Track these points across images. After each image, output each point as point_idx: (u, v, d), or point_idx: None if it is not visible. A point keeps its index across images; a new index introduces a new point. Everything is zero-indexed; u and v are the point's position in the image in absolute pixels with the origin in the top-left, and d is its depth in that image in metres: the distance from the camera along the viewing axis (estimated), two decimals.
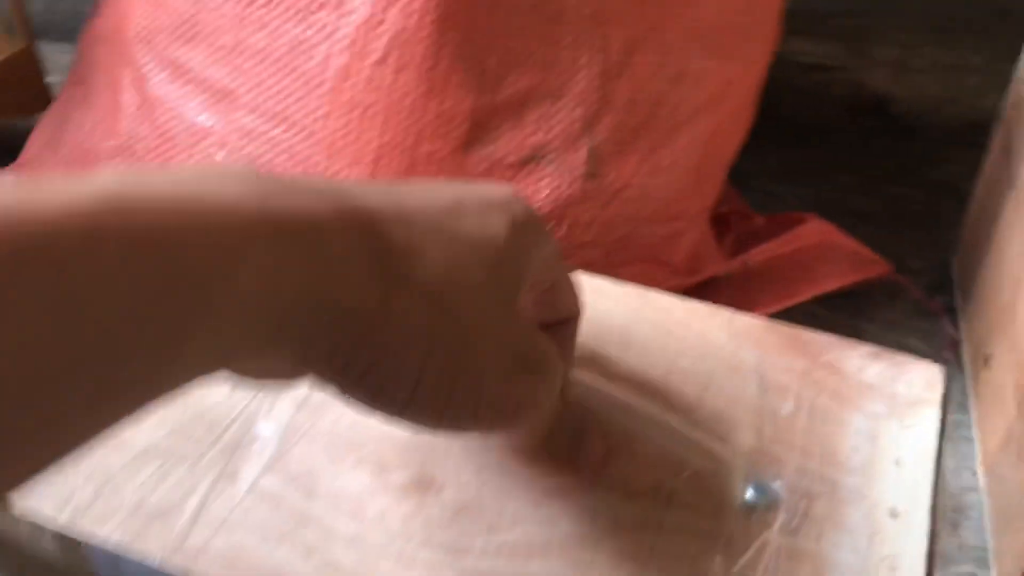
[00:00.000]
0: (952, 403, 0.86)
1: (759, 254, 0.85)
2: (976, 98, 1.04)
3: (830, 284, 0.84)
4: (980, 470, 0.81)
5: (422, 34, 0.62)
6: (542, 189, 0.66)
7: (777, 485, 0.34)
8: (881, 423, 0.36)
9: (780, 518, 0.33)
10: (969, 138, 0.97)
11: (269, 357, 0.24)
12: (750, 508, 0.33)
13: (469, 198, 0.30)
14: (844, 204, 0.97)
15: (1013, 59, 0.82)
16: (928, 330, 0.88)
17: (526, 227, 0.30)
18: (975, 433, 0.83)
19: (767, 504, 0.33)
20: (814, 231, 0.86)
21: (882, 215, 0.97)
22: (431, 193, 0.30)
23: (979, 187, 0.90)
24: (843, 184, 0.99)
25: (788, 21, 0.83)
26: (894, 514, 0.33)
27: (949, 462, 0.81)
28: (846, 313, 0.87)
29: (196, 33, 0.69)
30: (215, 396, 0.36)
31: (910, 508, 0.34)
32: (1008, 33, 0.96)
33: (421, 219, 0.28)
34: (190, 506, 0.33)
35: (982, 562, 0.75)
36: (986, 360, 0.82)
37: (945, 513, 0.78)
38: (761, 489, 0.34)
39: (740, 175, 0.86)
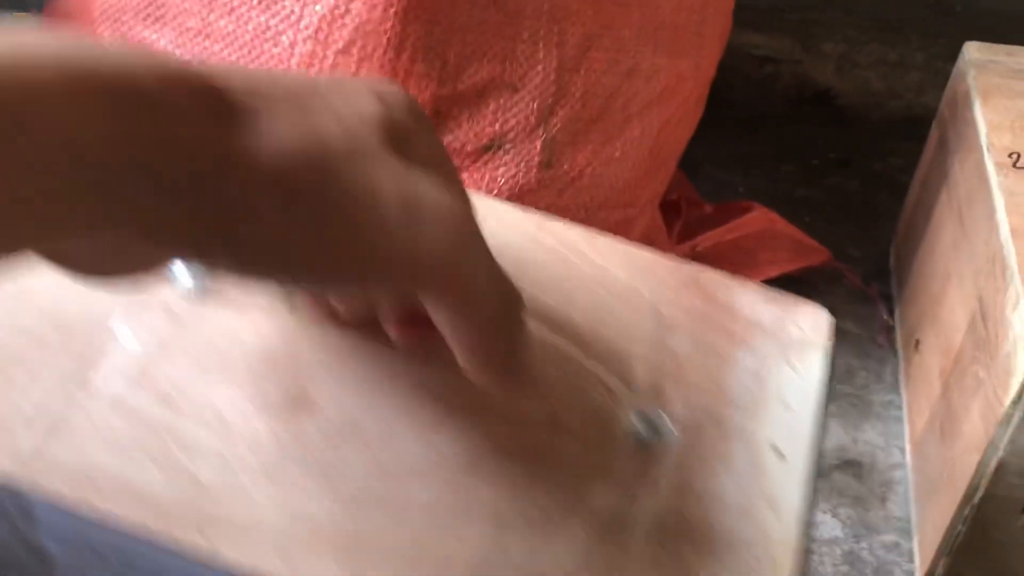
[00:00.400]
0: (884, 384, 0.90)
1: (706, 240, 0.88)
2: (917, 94, 1.08)
3: (772, 271, 0.88)
4: (908, 448, 0.86)
5: (385, 26, 0.64)
6: (499, 177, 0.69)
7: (668, 421, 0.34)
8: (771, 363, 0.37)
9: (669, 453, 0.32)
10: (909, 132, 1.01)
11: (101, 232, 0.22)
12: (641, 443, 0.33)
13: (334, 81, 0.28)
14: (790, 193, 1.01)
15: (953, 58, 0.86)
16: (864, 315, 0.92)
17: (403, 109, 0.28)
18: (905, 414, 0.88)
19: (658, 440, 0.33)
20: (758, 219, 0.89)
21: (825, 204, 1.01)
22: (292, 75, 0.27)
23: (915, 180, 0.95)
24: (789, 173, 1.03)
25: (741, 14, 0.86)
26: (778, 454, 0.34)
27: (879, 440, 0.86)
28: None
29: (162, 15, 0.70)
30: (67, 295, 0.31)
31: (793, 449, 0.34)
32: (949, 32, 1.00)
33: (273, 91, 0.26)
34: (39, 418, 0.29)
35: (905, 532, 0.80)
36: (916, 344, 0.87)
37: (874, 488, 0.82)
38: (652, 424, 0.33)
39: (691, 162, 0.90)
